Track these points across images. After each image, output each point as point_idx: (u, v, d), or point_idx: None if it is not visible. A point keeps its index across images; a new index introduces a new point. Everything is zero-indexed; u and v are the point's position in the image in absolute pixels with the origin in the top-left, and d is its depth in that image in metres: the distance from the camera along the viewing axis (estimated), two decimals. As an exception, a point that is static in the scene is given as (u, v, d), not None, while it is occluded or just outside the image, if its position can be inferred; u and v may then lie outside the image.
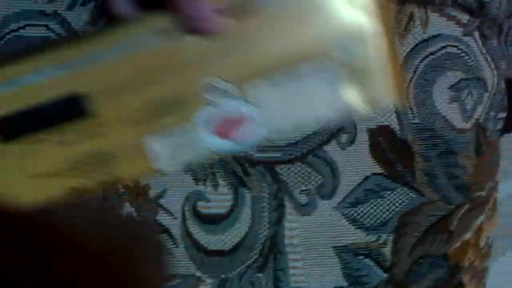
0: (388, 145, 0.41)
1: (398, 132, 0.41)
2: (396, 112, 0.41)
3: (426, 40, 0.40)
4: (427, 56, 0.41)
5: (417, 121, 0.41)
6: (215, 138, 0.36)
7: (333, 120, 0.37)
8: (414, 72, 0.41)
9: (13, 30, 0.36)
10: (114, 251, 0.32)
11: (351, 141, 0.41)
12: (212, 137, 0.36)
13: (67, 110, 0.34)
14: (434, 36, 0.41)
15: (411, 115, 0.41)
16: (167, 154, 0.36)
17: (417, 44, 0.40)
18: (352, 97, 0.36)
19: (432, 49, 0.41)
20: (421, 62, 0.41)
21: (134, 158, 0.35)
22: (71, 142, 0.35)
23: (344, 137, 0.40)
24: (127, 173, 0.36)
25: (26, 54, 0.35)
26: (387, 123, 0.41)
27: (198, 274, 0.41)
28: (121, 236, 0.35)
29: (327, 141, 0.40)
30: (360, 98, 0.36)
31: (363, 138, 0.41)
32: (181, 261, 0.40)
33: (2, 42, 0.36)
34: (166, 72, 0.35)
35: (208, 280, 0.41)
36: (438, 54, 0.41)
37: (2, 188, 0.35)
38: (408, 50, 0.40)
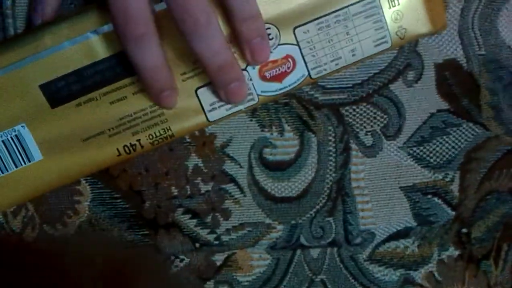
0: (454, 80, 0.40)
1: (465, 65, 0.40)
2: (462, 44, 0.40)
3: (491, -33, 0.39)
4: (492, -16, 0.39)
5: (483, 52, 0.40)
6: (265, 82, 0.35)
7: (377, 56, 0.37)
8: (480, 1, 0.39)
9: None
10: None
11: (418, 78, 0.40)
12: (262, 82, 0.35)
13: (114, 69, 0.34)
14: (499, -38, 0.39)
15: (476, 46, 0.40)
16: (220, 103, 0.35)
17: (483, -28, 0.39)
18: (396, 31, 0.35)
19: (497, -24, 0.39)
20: (486, -10, 0.39)
21: (187, 111, 0.35)
22: (120, 100, 0.34)
23: (411, 74, 0.39)
24: (181, 127, 0.35)
25: (66, 18, 0.34)
26: (453, 56, 0.40)
27: (268, 221, 0.40)
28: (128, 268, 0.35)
29: (393, 80, 0.39)
30: (404, 31, 0.35)
31: (429, 74, 0.40)
32: (250, 209, 0.40)
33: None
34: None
35: (279, 227, 0.41)
36: (503, -19, 0.39)
37: (60, 155, 0.35)
38: (474, -22, 0.39)
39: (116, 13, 0.29)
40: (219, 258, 0.41)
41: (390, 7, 0.35)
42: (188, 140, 0.38)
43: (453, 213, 0.43)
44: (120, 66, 0.34)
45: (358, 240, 0.42)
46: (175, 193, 0.39)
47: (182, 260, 0.40)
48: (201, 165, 0.39)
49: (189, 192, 0.39)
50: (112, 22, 0.30)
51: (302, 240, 0.41)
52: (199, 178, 0.39)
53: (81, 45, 0.33)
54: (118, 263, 0.34)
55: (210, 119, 0.35)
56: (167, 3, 0.30)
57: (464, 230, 0.44)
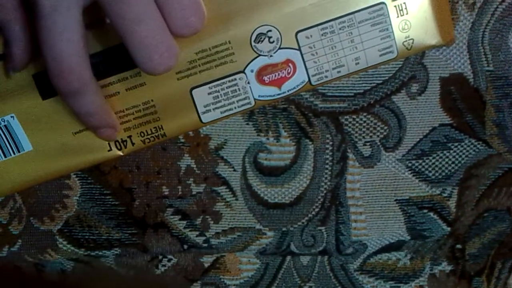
0: (459, 94, 0.39)
1: (471, 80, 0.39)
2: (470, 58, 0.38)
3: (506, -19, 0.37)
4: (506, -2, 0.38)
5: (491, 68, 0.39)
6: (263, 86, 0.34)
7: (382, 66, 0.35)
8: (492, 15, 0.38)
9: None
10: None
11: (422, 91, 0.38)
12: (260, 85, 0.34)
13: (108, 63, 0.33)
14: (515, -24, 0.37)
15: (485, 62, 0.39)
16: (215, 105, 0.34)
17: (497, -15, 0.37)
18: (403, 41, 0.34)
19: (511, -10, 0.38)
20: (500, 4, 0.38)
21: (181, 111, 0.34)
22: (113, 96, 0.33)
23: (415, 87, 0.38)
24: (174, 127, 0.34)
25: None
26: (460, 71, 0.38)
27: (258, 227, 0.40)
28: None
29: (396, 91, 0.38)
30: (412, 42, 0.34)
31: (434, 87, 0.38)
32: (241, 214, 0.39)
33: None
34: (215, 20, 0.33)
35: (269, 233, 0.40)
36: (518, -5, 0.38)
37: (50, 147, 0.34)
38: (487, -9, 0.37)
39: (49, 62, 0.26)
40: (207, 260, 0.40)
41: (398, 16, 0.33)
42: (182, 140, 0.37)
43: (448, 229, 0.42)
44: (114, 61, 0.33)
45: (350, 250, 0.41)
46: (166, 193, 0.38)
47: (169, 260, 0.40)
48: (194, 166, 0.38)
49: (180, 193, 0.38)
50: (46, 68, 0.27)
51: (292, 247, 0.41)
52: (191, 179, 0.38)
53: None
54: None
55: (204, 121, 0.34)
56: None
57: (459, 246, 0.43)
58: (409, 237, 0.42)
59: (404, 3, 0.33)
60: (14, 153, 0.34)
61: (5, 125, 0.34)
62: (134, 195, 0.38)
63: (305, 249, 0.41)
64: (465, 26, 0.38)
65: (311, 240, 0.41)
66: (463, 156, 0.40)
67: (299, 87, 0.34)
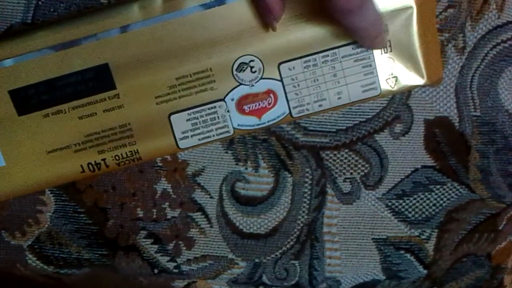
0: (444, 138, 0.38)
1: (457, 124, 0.38)
2: (457, 102, 0.38)
3: (499, 26, 0.37)
4: (498, 44, 0.37)
5: (478, 113, 0.38)
6: (243, 116, 0.34)
7: (364, 102, 0.35)
8: (482, 60, 0.37)
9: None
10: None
11: (406, 132, 0.38)
12: (240, 115, 0.34)
13: (88, 83, 0.32)
14: (508, 22, 0.37)
15: (472, 107, 0.38)
16: (193, 132, 0.34)
17: (489, 31, 0.37)
18: (387, 79, 0.33)
19: (504, 36, 0.37)
20: (491, 50, 0.37)
21: (158, 135, 0.34)
22: (90, 116, 0.33)
23: (398, 127, 0.38)
24: (150, 151, 0.34)
25: (44, 25, 0.32)
26: (446, 114, 0.38)
27: (231, 256, 0.39)
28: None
29: (380, 130, 0.38)
30: (395, 79, 0.33)
31: (418, 128, 0.38)
32: (214, 241, 0.39)
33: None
34: (197, 47, 0.32)
35: (241, 263, 0.39)
36: (510, 42, 0.37)
37: (23, 164, 0.34)
38: (478, 37, 0.37)
39: None
40: (178, 285, 0.40)
41: (382, 53, 0.33)
42: (159, 164, 0.37)
43: (425, 271, 0.41)
44: (94, 81, 0.33)
45: (323, 285, 0.41)
46: (140, 215, 0.38)
47: (141, 282, 0.39)
48: (170, 190, 0.38)
49: (155, 216, 0.38)
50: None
51: (264, 279, 0.40)
52: (167, 203, 0.38)
53: (58, 54, 0.32)
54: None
55: (181, 146, 0.34)
56: None
57: (435, 288, 0.42)
58: (384, 277, 0.41)
59: (389, 40, 0.32)
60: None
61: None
62: (108, 215, 0.38)
63: (277, 281, 0.40)
64: (454, 70, 0.37)
65: (283, 273, 0.40)
66: (445, 199, 0.40)
67: (280, 118, 0.34)
